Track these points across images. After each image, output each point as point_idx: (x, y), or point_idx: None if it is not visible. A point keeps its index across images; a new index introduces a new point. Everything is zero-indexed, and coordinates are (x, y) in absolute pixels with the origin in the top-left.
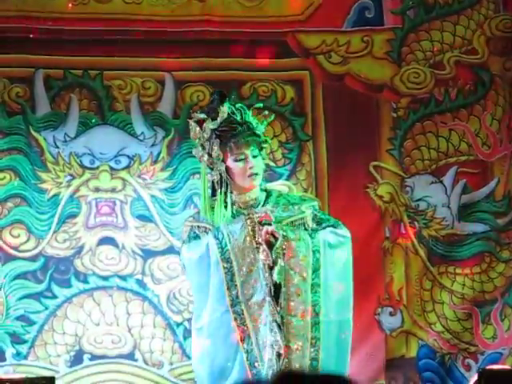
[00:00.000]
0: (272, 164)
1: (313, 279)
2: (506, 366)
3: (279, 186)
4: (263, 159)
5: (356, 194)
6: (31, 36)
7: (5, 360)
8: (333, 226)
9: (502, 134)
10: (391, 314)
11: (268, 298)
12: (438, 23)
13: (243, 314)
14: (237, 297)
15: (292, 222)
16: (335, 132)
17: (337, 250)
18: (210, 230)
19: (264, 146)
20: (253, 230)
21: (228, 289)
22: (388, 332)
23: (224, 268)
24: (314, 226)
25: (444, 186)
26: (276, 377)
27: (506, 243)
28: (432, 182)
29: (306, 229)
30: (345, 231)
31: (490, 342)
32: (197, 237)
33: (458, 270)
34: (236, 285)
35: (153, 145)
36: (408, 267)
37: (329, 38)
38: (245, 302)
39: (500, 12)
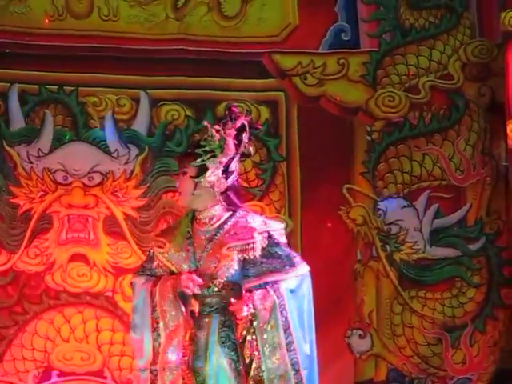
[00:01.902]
0: (245, 184)
1: (286, 338)
2: None
3: (251, 206)
4: (196, 177)
5: (329, 216)
6: (7, 50)
7: None
8: (289, 264)
9: (476, 159)
10: (361, 337)
11: (183, 367)
12: (414, 47)
13: (156, 376)
14: (158, 357)
15: (237, 246)
16: (309, 154)
17: (298, 293)
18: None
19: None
20: (174, 295)
21: (153, 348)
22: (357, 355)
23: (152, 326)
24: (258, 255)
25: (416, 210)
26: None
27: (477, 269)
28: (404, 206)
29: (248, 257)
30: (303, 268)
31: (460, 367)
32: (150, 261)
33: (429, 295)
34: (160, 345)
35: (126, 162)
36: (379, 290)
37: (305, 59)
38: (161, 364)
39: (476, 38)
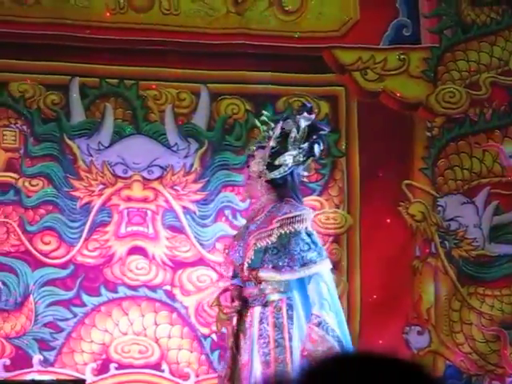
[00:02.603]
0: (304, 179)
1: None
2: None
3: (311, 201)
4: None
5: (388, 211)
6: (68, 43)
7: (31, 366)
8: (290, 266)
9: None
10: (419, 333)
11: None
12: (475, 43)
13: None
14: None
15: (256, 234)
16: (369, 149)
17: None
18: None
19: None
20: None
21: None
22: (415, 351)
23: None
24: (272, 244)
25: (476, 206)
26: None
27: None
28: (464, 203)
29: (265, 246)
30: (304, 271)
31: None
32: None
33: (488, 292)
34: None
35: (186, 156)
36: (437, 287)
37: (365, 54)
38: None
39: None
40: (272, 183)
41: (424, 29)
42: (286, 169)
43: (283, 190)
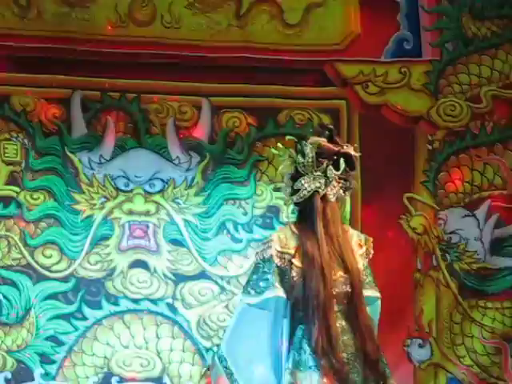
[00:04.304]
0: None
1: None
2: None
3: None
4: None
5: (389, 224)
6: (69, 57)
7: (33, 380)
8: None
9: None
10: (420, 346)
11: None
12: (476, 57)
13: None
14: None
15: None
16: (370, 162)
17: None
18: None
19: None
20: None
21: None
22: (417, 364)
23: None
24: None
25: (477, 219)
26: None
27: None
28: (465, 215)
29: None
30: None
31: None
32: None
33: (489, 304)
34: None
35: (188, 169)
36: (439, 300)
37: (366, 68)
38: None
39: None
40: (297, 208)
41: (425, 42)
42: (306, 193)
43: (302, 215)
